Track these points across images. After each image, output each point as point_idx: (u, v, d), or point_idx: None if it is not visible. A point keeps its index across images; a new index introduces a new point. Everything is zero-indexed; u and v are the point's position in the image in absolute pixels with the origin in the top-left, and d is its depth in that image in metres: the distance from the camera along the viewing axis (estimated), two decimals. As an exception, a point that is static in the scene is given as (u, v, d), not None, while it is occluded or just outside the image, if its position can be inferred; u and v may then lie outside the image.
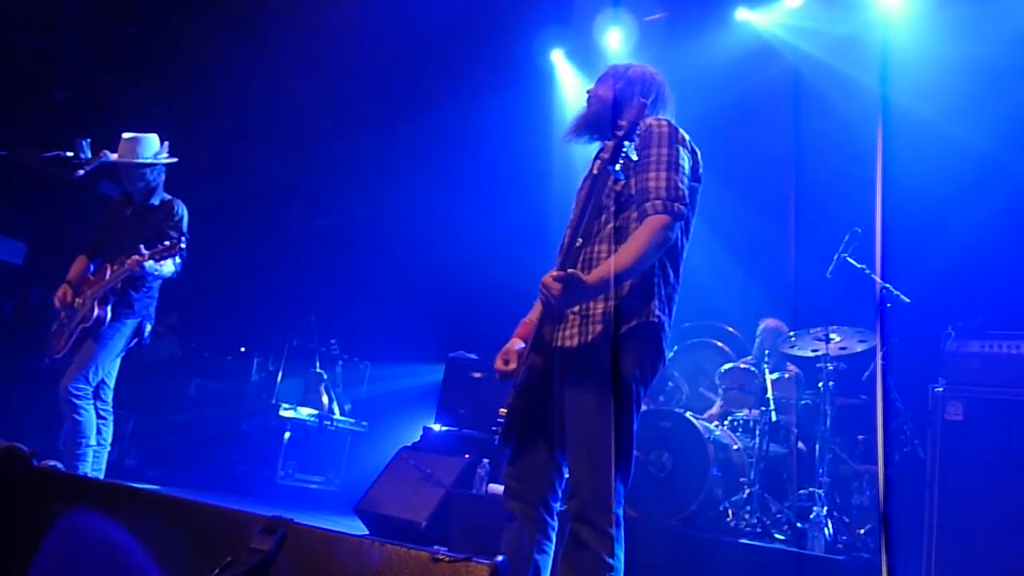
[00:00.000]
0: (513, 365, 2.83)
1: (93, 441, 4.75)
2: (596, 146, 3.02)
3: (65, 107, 8.74)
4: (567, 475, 2.76)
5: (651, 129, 2.78)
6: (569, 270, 2.54)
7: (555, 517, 2.80)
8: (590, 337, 2.68)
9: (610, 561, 2.56)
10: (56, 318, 5.02)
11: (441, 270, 9.76)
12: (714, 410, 6.17)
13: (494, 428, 2.75)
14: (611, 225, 2.75)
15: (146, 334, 5.01)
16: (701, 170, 2.88)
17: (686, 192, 2.73)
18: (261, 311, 10.28)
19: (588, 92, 3.05)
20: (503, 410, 2.76)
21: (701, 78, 7.32)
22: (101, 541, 1.92)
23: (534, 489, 2.78)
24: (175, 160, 5.09)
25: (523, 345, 2.87)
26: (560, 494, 2.83)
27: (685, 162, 2.77)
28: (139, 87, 8.75)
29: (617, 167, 2.53)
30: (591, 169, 2.91)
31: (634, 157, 2.61)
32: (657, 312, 2.73)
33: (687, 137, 2.84)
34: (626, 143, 2.54)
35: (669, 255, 2.79)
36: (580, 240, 2.68)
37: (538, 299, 2.88)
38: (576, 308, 2.71)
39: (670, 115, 2.99)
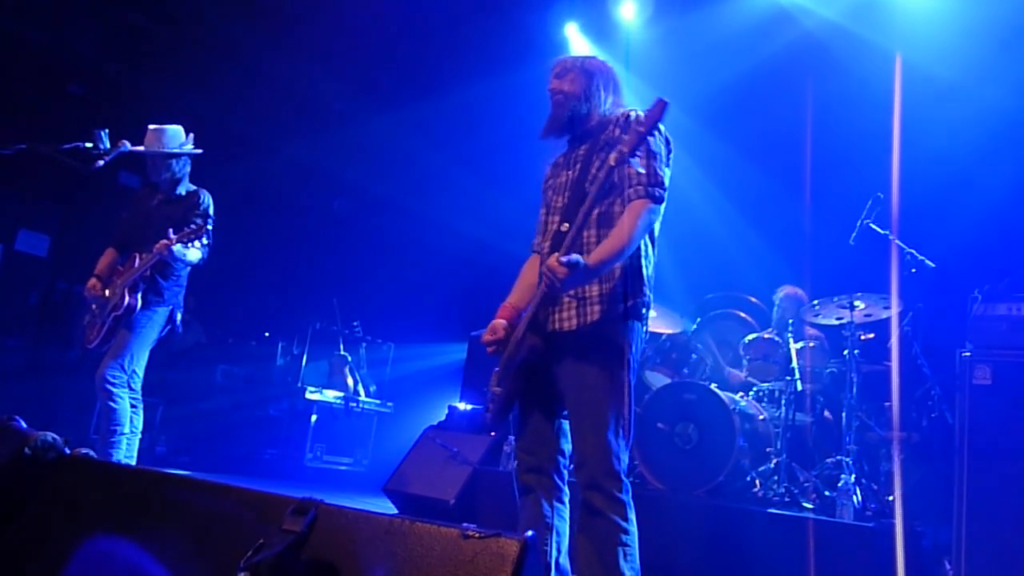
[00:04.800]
0: (501, 334, 2.98)
1: (127, 429, 4.81)
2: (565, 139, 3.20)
3: (81, 99, 8.78)
4: (573, 446, 2.91)
5: (629, 118, 2.95)
6: (572, 255, 2.69)
7: (566, 483, 2.98)
8: (588, 319, 2.87)
9: (624, 525, 2.75)
10: (88, 310, 5.09)
11: (461, 249, 9.77)
12: (741, 374, 6.14)
13: (487, 407, 2.90)
14: (597, 211, 2.90)
15: (178, 322, 5.08)
16: (672, 155, 3.05)
17: (664, 178, 2.93)
18: (284, 296, 10.34)
19: (552, 89, 3.17)
20: (496, 389, 2.95)
21: (717, 46, 7.25)
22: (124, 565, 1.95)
23: (546, 459, 2.97)
24: (199, 151, 5.16)
25: (506, 323, 3.04)
26: (568, 461, 3.00)
27: (662, 150, 2.96)
28: (153, 76, 8.77)
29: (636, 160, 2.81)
30: (569, 159, 3.12)
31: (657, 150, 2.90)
32: (646, 290, 2.97)
33: (662, 127, 3.00)
34: (649, 138, 2.76)
35: (648, 235, 2.99)
36: (567, 225, 2.88)
37: (517, 283, 3.19)
38: (571, 291, 2.88)
39: (624, 94, 3.20)
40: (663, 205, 2.92)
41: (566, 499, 2.97)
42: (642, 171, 2.86)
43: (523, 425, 3.01)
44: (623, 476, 2.77)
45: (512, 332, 2.98)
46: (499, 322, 3.02)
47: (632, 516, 2.77)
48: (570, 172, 3.06)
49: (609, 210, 2.90)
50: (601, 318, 2.85)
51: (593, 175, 2.92)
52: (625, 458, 2.80)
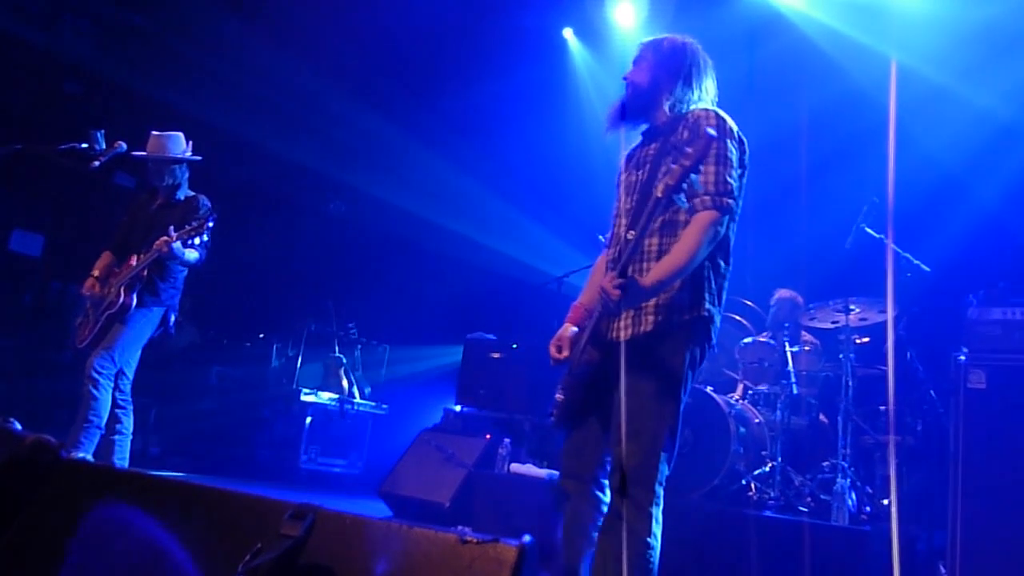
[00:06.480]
0: (566, 353, 2.90)
1: (103, 425, 4.80)
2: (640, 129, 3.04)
3: (77, 99, 8.76)
4: (611, 451, 2.82)
5: (699, 122, 2.81)
6: (629, 276, 2.60)
7: (607, 495, 2.87)
8: (643, 328, 2.77)
9: (647, 539, 2.65)
10: (82, 311, 5.10)
11: (457, 252, 9.75)
12: (738, 392, 6.15)
13: (551, 412, 2.82)
14: (663, 218, 2.78)
15: (171, 324, 5.09)
16: (747, 158, 2.92)
17: (735, 186, 2.78)
18: (279, 297, 10.31)
19: (624, 79, 3.06)
20: (559, 396, 2.87)
21: (712, 50, 7.25)
22: (134, 532, 1.94)
23: (587, 469, 2.88)
24: (199, 158, 5.25)
25: (575, 330, 2.95)
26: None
27: (733, 154, 2.81)
28: (150, 76, 8.74)
29: (682, 196, 2.55)
30: (640, 157, 2.96)
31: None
32: (708, 306, 2.81)
33: (735, 127, 2.88)
34: (692, 176, 2.53)
35: (719, 246, 2.84)
36: (633, 232, 2.72)
37: (588, 282, 3.08)
38: None
39: (710, 79, 3.04)
40: (731, 216, 2.79)
41: (605, 511, 2.86)
42: (710, 180, 2.72)
43: (574, 430, 2.93)
44: (655, 488, 2.69)
45: (579, 338, 2.89)
46: (567, 333, 2.94)
47: (657, 531, 2.69)
48: (640, 173, 2.93)
49: (674, 218, 2.79)
50: (654, 329, 2.76)
51: (660, 180, 2.72)
52: (664, 470, 2.71)
